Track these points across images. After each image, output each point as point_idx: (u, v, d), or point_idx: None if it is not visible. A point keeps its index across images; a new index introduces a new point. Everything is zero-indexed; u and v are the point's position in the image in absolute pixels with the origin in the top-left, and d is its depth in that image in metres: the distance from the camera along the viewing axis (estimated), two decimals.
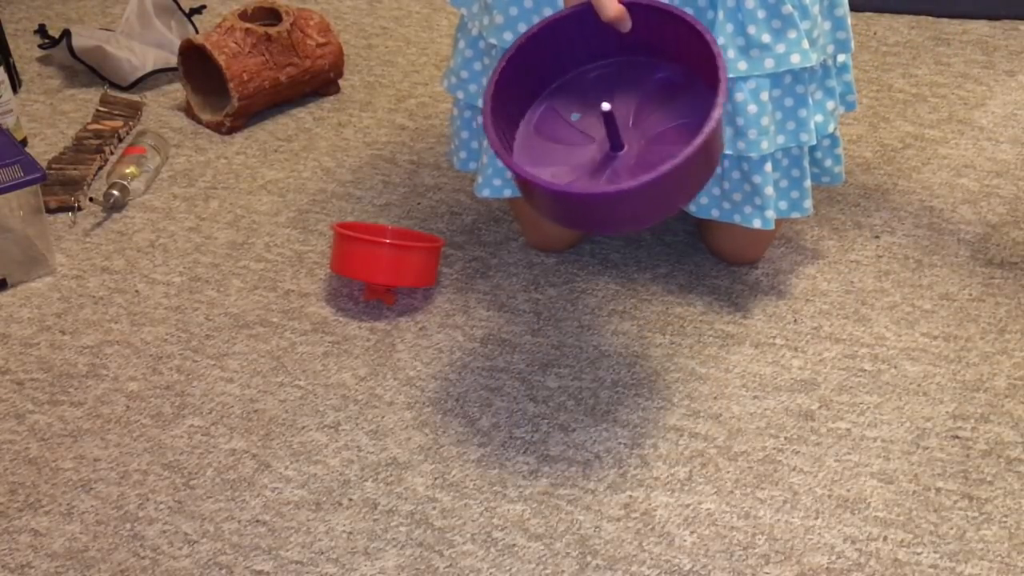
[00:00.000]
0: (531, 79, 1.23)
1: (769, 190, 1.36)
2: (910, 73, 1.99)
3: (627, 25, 1.16)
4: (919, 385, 1.33)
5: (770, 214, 1.37)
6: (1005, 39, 2.10)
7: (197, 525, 1.18)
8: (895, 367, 1.36)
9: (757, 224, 1.38)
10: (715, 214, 1.41)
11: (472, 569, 1.13)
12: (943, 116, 1.86)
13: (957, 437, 1.26)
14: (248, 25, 1.85)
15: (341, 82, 1.99)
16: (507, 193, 1.45)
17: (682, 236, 1.59)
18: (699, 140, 1.08)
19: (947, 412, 1.29)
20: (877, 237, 1.58)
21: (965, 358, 1.37)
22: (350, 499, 1.20)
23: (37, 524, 1.19)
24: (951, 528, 1.16)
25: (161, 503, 1.20)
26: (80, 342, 1.43)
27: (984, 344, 1.39)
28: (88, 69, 2.00)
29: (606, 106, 1.15)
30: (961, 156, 1.75)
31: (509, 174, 1.43)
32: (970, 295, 1.47)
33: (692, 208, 1.42)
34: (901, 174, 1.72)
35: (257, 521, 1.18)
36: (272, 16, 1.91)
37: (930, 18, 2.18)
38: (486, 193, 1.44)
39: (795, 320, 1.43)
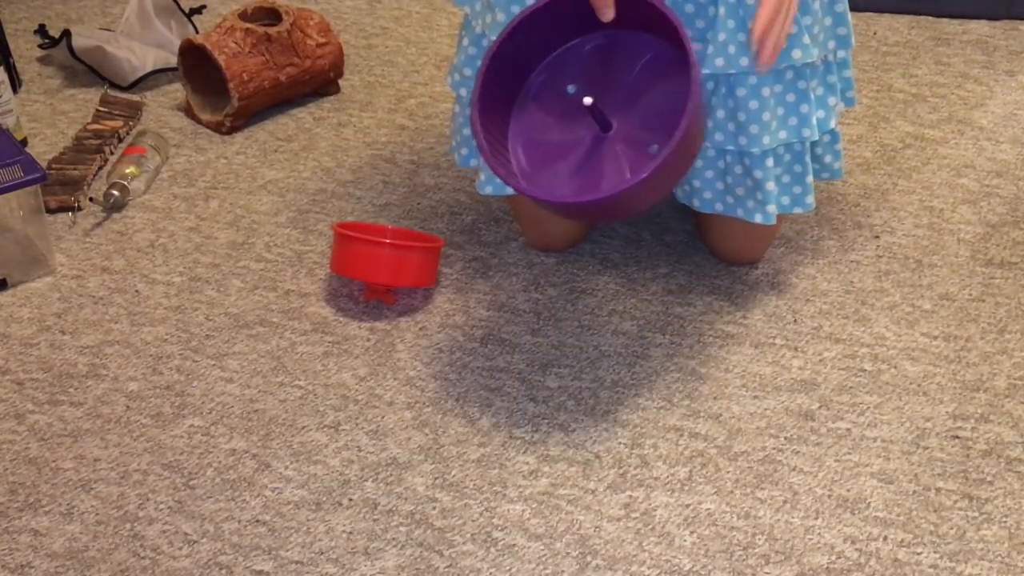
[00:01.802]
0: (528, 54, 1.26)
1: (771, 185, 1.36)
2: (910, 73, 1.99)
3: (609, 14, 1.19)
4: (919, 385, 1.33)
5: (771, 209, 1.37)
6: (1005, 39, 2.10)
7: (197, 525, 1.18)
8: (895, 367, 1.36)
9: (759, 219, 1.38)
10: (719, 208, 1.41)
11: (472, 569, 1.13)
12: (943, 116, 1.86)
13: (957, 437, 1.26)
14: (248, 25, 1.85)
15: (341, 82, 1.99)
16: (510, 190, 1.45)
17: (682, 236, 1.59)
18: (673, 142, 1.11)
19: (947, 412, 1.29)
20: (877, 237, 1.58)
21: (965, 358, 1.37)
22: (350, 499, 1.20)
23: (37, 524, 1.19)
24: (951, 528, 1.16)
25: (161, 503, 1.20)
26: (80, 342, 1.43)
27: (984, 344, 1.39)
28: (88, 69, 2.00)
29: (588, 100, 1.19)
30: (961, 156, 1.75)
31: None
32: (970, 295, 1.47)
33: (696, 203, 1.43)
34: (901, 174, 1.72)
35: (257, 521, 1.18)
36: (272, 16, 1.91)
37: (930, 18, 2.18)
38: (489, 190, 1.44)
39: (795, 320, 1.43)
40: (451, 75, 1.46)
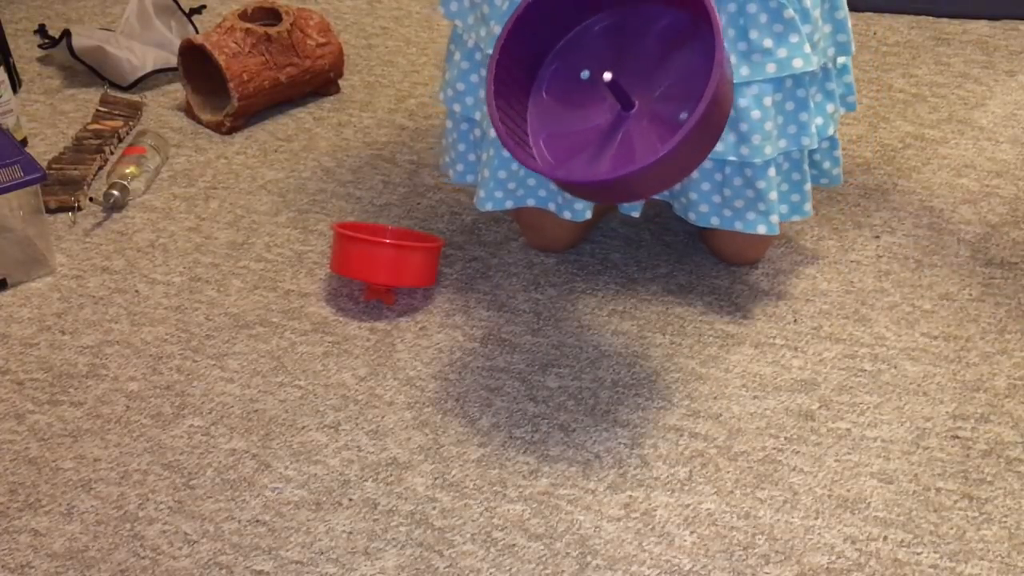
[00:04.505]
0: (534, 45, 1.23)
1: (773, 195, 1.35)
2: (910, 73, 1.99)
3: None
4: (919, 385, 1.33)
5: (775, 219, 1.37)
6: (1005, 39, 2.10)
7: (197, 525, 1.18)
8: (895, 367, 1.36)
9: (762, 230, 1.38)
10: (715, 222, 1.41)
11: (472, 569, 1.13)
12: (943, 116, 1.86)
13: (957, 437, 1.26)
14: (248, 25, 1.85)
15: (341, 82, 1.99)
16: (509, 205, 1.45)
17: (682, 236, 1.59)
18: (700, 109, 1.08)
19: (947, 412, 1.29)
20: (877, 237, 1.58)
21: (965, 358, 1.37)
22: (350, 499, 1.20)
23: (37, 524, 1.19)
24: (951, 528, 1.16)
25: (161, 503, 1.20)
26: (80, 342, 1.43)
27: (984, 344, 1.39)
28: (88, 69, 2.00)
29: (608, 76, 1.15)
30: (961, 156, 1.75)
31: (512, 185, 1.43)
32: (970, 295, 1.47)
33: (692, 216, 1.42)
34: (901, 174, 1.72)
35: (257, 521, 1.18)
36: (272, 16, 1.91)
37: (930, 18, 2.18)
38: (489, 207, 1.44)
39: (795, 320, 1.43)
40: (444, 91, 1.45)
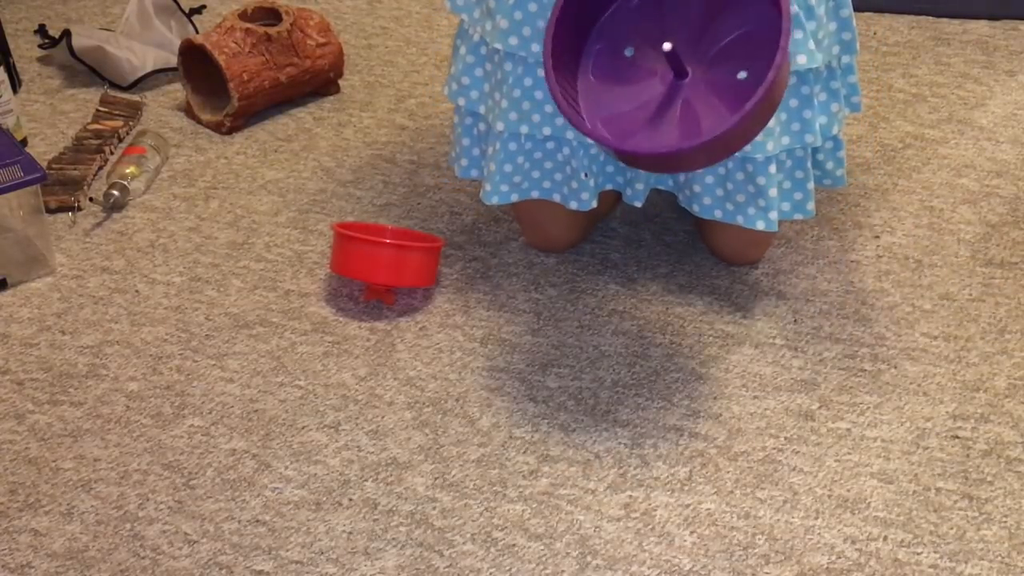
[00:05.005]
0: (577, 28, 1.22)
1: (773, 192, 1.35)
2: (910, 73, 1.99)
3: None
4: (919, 385, 1.33)
5: (774, 215, 1.37)
6: (1005, 39, 2.10)
7: (197, 525, 1.18)
8: (895, 367, 1.36)
9: (760, 226, 1.38)
10: (718, 214, 1.41)
11: (472, 569, 1.13)
12: (943, 116, 1.86)
13: (957, 437, 1.26)
14: (248, 25, 1.85)
15: (341, 82, 1.99)
16: (514, 198, 1.44)
17: (682, 236, 1.59)
18: (775, 66, 1.05)
19: (947, 412, 1.29)
20: (877, 237, 1.58)
21: (965, 358, 1.37)
22: (350, 499, 1.20)
23: (37, 524, 1.19)
24: (951, 528, 1.16)
25: (161, 503, 1.20)
26: (80, 342, 1.43)
27: (984, 344, 1.39)
28: (88, 69, 2.00)
29: (667, 46, 1.14)
30: (961, 156, 1.75)
31: (517, 178, 1.42)
32: (970, 295, 1.47)
33: (695, 208, 1.42)
34: (901, 174, 1.72)
35: (257, 521, 1.18)
36: (272, 16, 1.91)
37: (930, 18, 2.18)
38: (495, 200, 1.44)
39: (795, 320, 1.43)
40: (448, 84, 1.45)
